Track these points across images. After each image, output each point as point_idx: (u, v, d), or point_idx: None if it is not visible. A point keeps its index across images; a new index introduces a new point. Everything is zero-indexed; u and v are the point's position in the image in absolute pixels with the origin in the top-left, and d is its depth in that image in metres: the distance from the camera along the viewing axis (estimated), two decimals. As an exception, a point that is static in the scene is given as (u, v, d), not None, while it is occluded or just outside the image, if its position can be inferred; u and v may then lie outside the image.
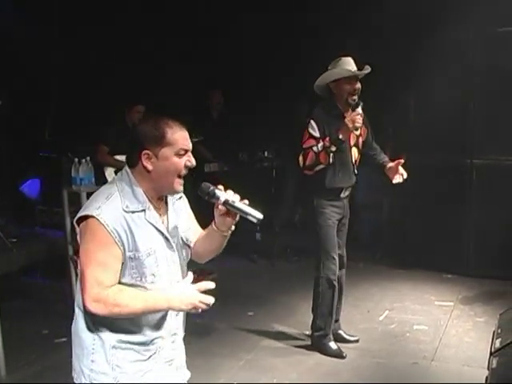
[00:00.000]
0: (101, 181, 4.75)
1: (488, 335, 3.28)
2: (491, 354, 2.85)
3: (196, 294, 2.04)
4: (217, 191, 2.11)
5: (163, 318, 2.17)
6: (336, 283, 4.19)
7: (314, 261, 4.25)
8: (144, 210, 2.10)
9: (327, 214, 4.13)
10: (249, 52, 7.13)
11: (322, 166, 4.01)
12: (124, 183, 2.12)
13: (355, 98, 4.00)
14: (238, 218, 2.16)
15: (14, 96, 6.05)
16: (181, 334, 2.31)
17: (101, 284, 1.99)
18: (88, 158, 4.81)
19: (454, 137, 5.71)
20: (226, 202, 2.10)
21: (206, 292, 2.08)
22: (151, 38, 6.87)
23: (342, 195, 4.19)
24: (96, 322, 2.09)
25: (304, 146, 4.03)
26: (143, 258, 2.07)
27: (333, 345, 4.26)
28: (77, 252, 4.67)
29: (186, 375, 2.35)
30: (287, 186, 6.83)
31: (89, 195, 2.21)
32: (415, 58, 5.74)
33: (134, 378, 2.13)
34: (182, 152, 2.11)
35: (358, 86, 4.01)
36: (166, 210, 2.21)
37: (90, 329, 2.11)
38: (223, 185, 2.16)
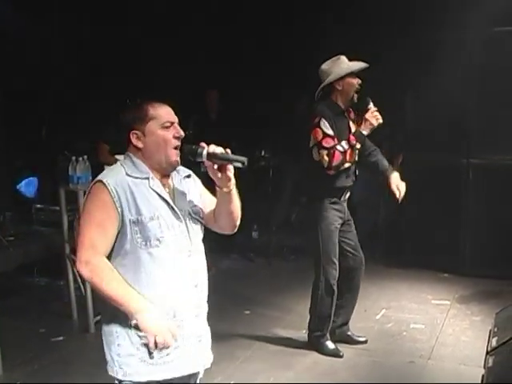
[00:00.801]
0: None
1: (484, 334, 3.29)
2: (487, 352, 2.85)
3: (169, 331, 2.05)
4: (199, 149, 2.12)
5: (184, 290, 2.17)
6: (335, 287, 4.16)
7: (314, 264, 4.20)
8: (148, 178, 2.15)
9: (330, 218, 4.08)
10: (248, 50, 7.13)
11: (347, 165, 3.99)
12: (127, 160, 2.20)
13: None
14: (231, 169, 2.13)
15: (12, 95, 6.04)
16: (205, 308, 2.31)
17: (95, 249, 2.04)
18: (85, 157, 4.80)
19: (451, 136, 5.69)
20: (209, 156, 2.11)
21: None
22: (150, 38, 6.87)
23: (343, 198, 4.16)
24: (114, 306, 2.08)
25: (325, 146, 3.92)
26: (146, 221, 2.09)
27: (330, 344, 4.26)
28: (74, 250, 4.67)
29: (209, 358, 2.34)
30: (284, 185, 6.83)
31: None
32: (413, 58, 5.74)
33: (162, 355, 2.13)
34: (168, 124, 2.16)
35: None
36: (172, 184, 2.24)
37: (111, 314, 2.13)
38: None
